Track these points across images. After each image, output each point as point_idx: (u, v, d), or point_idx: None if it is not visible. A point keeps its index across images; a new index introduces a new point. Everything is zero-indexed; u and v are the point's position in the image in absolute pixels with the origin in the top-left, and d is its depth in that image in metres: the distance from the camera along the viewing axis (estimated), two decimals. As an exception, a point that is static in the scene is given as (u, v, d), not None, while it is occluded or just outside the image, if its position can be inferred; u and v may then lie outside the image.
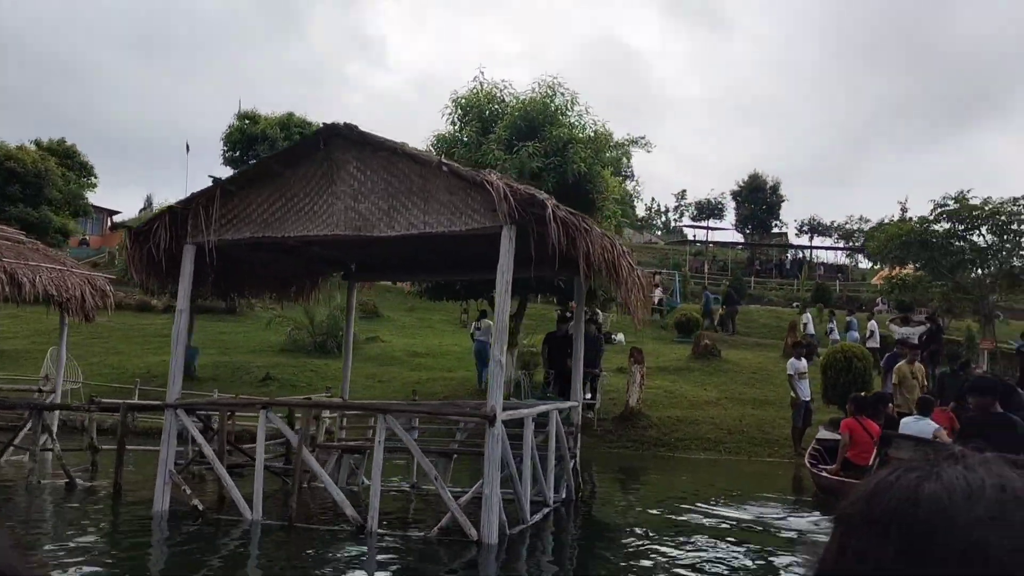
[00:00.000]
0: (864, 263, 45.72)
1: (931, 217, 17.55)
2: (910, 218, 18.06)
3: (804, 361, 14.00)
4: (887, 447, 9.11)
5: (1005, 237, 17.05)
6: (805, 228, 63.65)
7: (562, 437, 9.06)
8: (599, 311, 23.03)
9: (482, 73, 15.67)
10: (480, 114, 15.38)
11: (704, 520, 8.94)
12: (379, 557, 7.13)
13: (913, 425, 8.74)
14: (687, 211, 71.06)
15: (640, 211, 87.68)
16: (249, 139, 28.06)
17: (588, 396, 15.57)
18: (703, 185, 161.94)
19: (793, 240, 60.72)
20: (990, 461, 0.64)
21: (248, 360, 19.88)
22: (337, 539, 7.64)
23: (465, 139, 15.18)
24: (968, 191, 17.14)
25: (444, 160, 7.95)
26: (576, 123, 15.32)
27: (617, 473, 13.16)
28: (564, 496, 9.56)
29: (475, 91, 15.77)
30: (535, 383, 15.96)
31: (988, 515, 0.59)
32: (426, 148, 15.57)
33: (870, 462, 9.18)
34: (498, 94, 15.64)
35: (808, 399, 13.79)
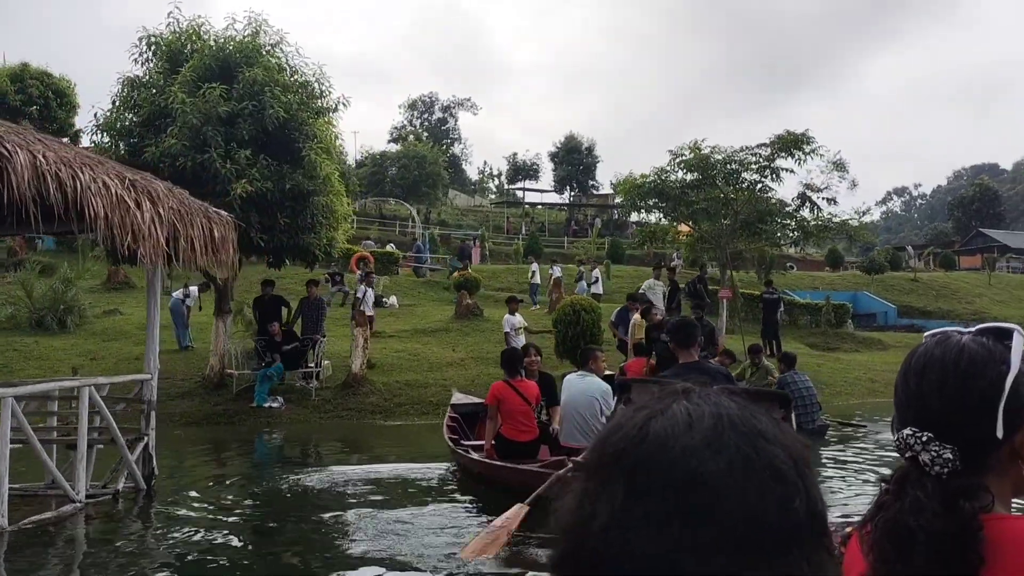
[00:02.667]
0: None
1: (668, 167, 17.43)
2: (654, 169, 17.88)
3: (518, 316, 13.40)
4: (628, 394, 8.74)
5: (737, 187, 17.11)
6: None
7: (107, 417, 7.55)
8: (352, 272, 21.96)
9: (178, 8, 13.91)
10: (171, 54, 13.67)
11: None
12: None
13: (577, 383, 7.92)
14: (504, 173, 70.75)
15: (472, 174, 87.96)
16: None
17: (312, 365, 14.45)
18: (541, 147, 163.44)
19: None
20: (711, 394, 0.66)
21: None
22: None
23: (147, 80, 13.45)
24: (703, 140, 17.11)
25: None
26: (283, 66, 13.88)
27: (278, 450, 11.82)
28: (119, 488, 7.83)
29: (172, 29, 14.02)
30: (249, 352, 14.60)
31: (704, 443, 0.61)
32: (115, 93, 13.76)
33: (532, 437, 7.97)
34: (195, 31, 13.95)
35: (525, 355, 13.17)
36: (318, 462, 10.46)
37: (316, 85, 14.10)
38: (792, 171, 17.36)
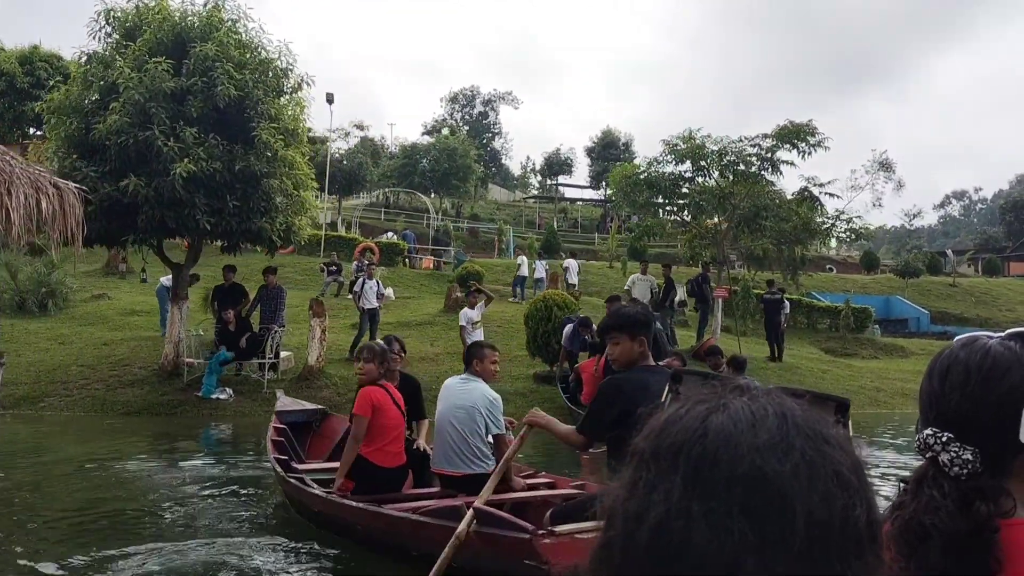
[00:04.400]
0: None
1: (660, 158, 16.35)
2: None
3: (477, 310, 12.60)
4: (677, 385, 8.05)
5: (734, 179, 15.95)
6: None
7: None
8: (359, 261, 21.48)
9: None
10: (130, 29, 13.17)
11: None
12: None
13: (456, 390, 6.01)
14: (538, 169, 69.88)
15: (516, 169, 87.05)
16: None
17: (271, 356, 13.84)
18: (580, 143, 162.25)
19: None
20: (772, 393, 0.66)
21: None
22: None
23: (103, 55, 12.95)
24: (698, 129, 16.01)
25: None
26: (241, 43, 13.25)
27: (201, 443, 11.11)
28: None
29: (135, 3, 13.51)
30: (205, 342, 14.06)
31: (770, 443, 0.60)
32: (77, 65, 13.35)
33: (403, 462, 6.03)
34: (158, 4, 13.41)
35: (481, 352, 12.36)
36: (213, 455, 9.87)
37: (277, 64, 13.45)
38: (792, 164, 16.17)
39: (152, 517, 6.75)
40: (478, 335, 12.17)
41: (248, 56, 13.13)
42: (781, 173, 16.09)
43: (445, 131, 61.69)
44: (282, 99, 13.68)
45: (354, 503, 5.52)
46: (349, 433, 6.04)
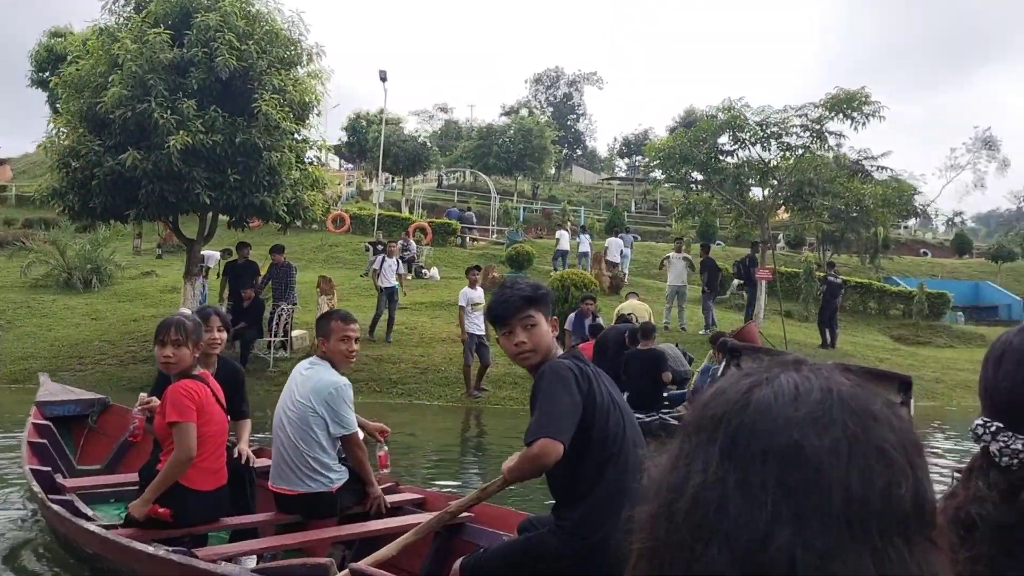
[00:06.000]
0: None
1: (697, 129, 15.17)
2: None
3: (479, 290, 12.00)
4: (737, 359, 8.23)
5: (775, 151, 14.70)
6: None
7: None
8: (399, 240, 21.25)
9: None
10: (139, 1, 13.08)
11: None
12: None
13: (299, 379, 4.47)
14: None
15: (602, 151, 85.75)
16: (57, 58, 25.40)
17: (281, 336, 13.62)
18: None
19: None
20: (824, 368, 0.65)
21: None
22: None
23: (110, 26, 12.90)
24: (741, 98, 14.79)
25: None
26: (244, 12, 12.93)
27: None
28: None
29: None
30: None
31: (810, 417, 0.60)
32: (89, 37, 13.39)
33: (225, 481, 4.31)
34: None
35: (481, 332, 11.77)
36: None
37: (286, 34, 13.11)
38: (842, 135, 14.81)
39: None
40: (477, 317, 11.55)
41: (256, 27, 12.82)
42: (829, 146, 14.79)
43: (523, 112, 61.11)
44: (299, 71, 13.37)
45: (150, 550, 3.62)
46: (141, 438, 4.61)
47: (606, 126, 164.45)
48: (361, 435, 4.50)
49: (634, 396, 9.76)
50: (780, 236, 34.28)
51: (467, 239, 28.03)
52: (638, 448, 3.04)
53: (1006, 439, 1.09)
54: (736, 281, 19.89)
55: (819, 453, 0.57)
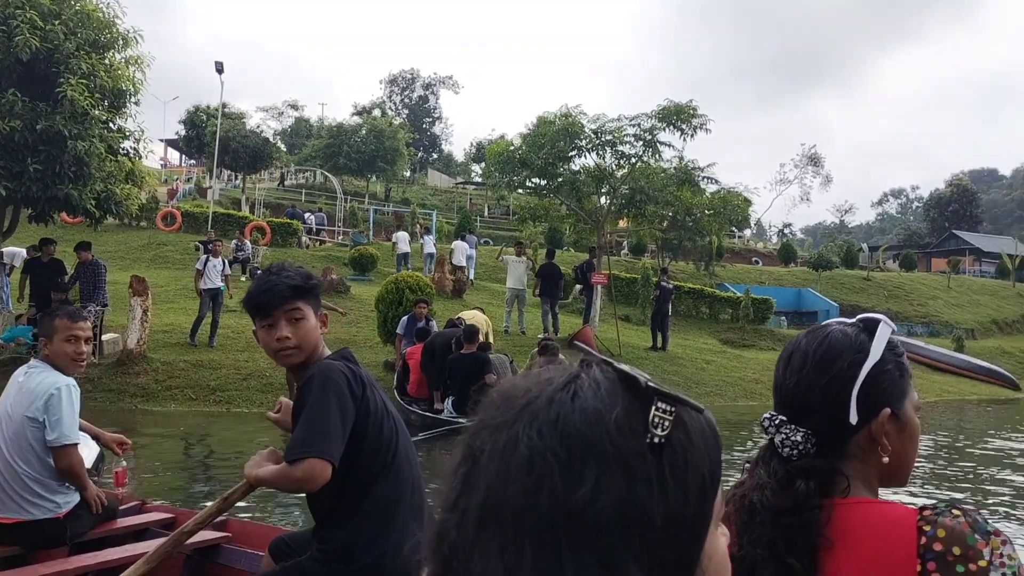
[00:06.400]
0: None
1: (535, 135, 15.36)
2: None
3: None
4: (553, 361, 7.62)
5: (611, 159, 15.08)
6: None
7: None
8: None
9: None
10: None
11: None
12: None
13: (13, 384, 3.70)
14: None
15: (459, 155, 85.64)
16: None
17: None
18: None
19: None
20: (572, 372, 0.65)
21: None
22: None
23: None
24: (578, 106, 15.09)
25: None
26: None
27: None
28: None
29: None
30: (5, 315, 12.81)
31: (490, 422, 0.62)
32: None
33: None
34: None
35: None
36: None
37: (99, 15, 12.19)
38: (671, 145, 15.37)
39: None
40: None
41: (64, 6, 11.85)
42: (661, 155, 15.28)
43: (376, 112, 60.30)
44: (114, 55, 12.45)
45: None
46: None
47: (462, 130, 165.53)
48: (96, 450, 3.96)
49: (458, 400, 9.66)
50: (624, 243, 35.37)
51: (303, 239, 27.21)
52: (411, 458, 2.77)
53: (788, 431, 1.16)
54: (578, 286, 20.27)
55: (480, 456, 0.61)
